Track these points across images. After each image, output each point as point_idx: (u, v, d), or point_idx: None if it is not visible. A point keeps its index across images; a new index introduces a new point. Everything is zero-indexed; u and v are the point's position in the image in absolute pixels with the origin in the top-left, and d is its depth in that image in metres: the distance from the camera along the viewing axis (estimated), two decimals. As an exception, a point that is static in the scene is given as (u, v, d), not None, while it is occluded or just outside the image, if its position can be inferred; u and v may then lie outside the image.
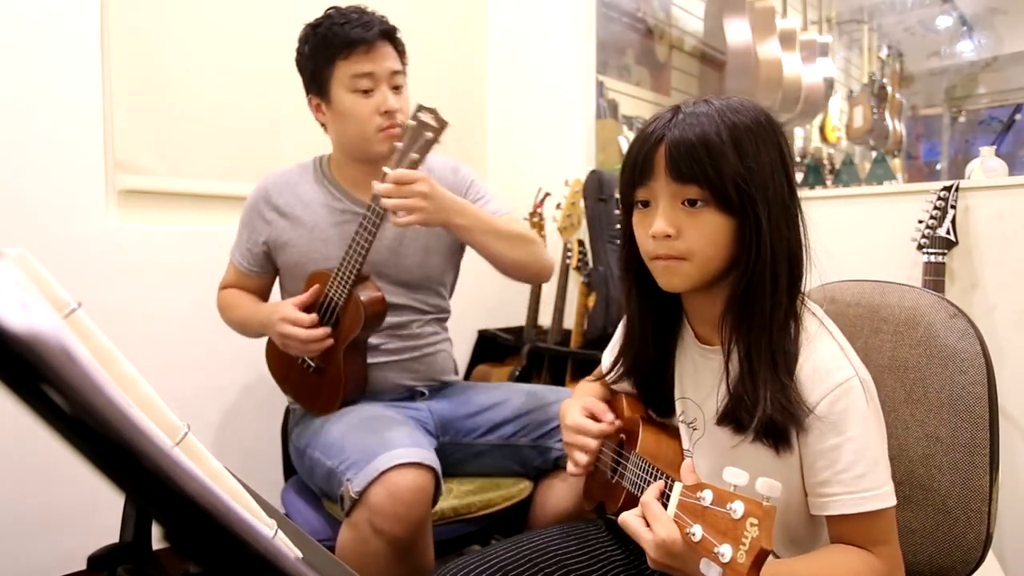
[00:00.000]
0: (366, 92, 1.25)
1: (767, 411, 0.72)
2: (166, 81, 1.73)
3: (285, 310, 1.22)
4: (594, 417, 0.93)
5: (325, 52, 1.25)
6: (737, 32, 2.32)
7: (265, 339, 1.37)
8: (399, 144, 1.15)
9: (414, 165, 1.14)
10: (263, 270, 1.38)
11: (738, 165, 0.71)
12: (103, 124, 1.64)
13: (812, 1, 2.44)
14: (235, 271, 1.40)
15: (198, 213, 1.82)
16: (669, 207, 0.74)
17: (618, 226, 2.05)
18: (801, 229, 0.76)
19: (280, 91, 1.94)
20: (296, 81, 2.02)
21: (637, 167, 0.76)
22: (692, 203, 0.73)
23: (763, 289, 0.73)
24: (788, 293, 0.74)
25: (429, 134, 1.13)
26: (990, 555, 0.87)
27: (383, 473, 1.04)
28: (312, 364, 1.30)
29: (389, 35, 1.27)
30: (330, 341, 1.23)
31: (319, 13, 1.28)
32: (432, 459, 1.11)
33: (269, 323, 1.25)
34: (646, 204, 0.77)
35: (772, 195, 0.73)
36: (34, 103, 1.54)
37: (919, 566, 0.87)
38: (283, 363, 1.34)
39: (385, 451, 1.08)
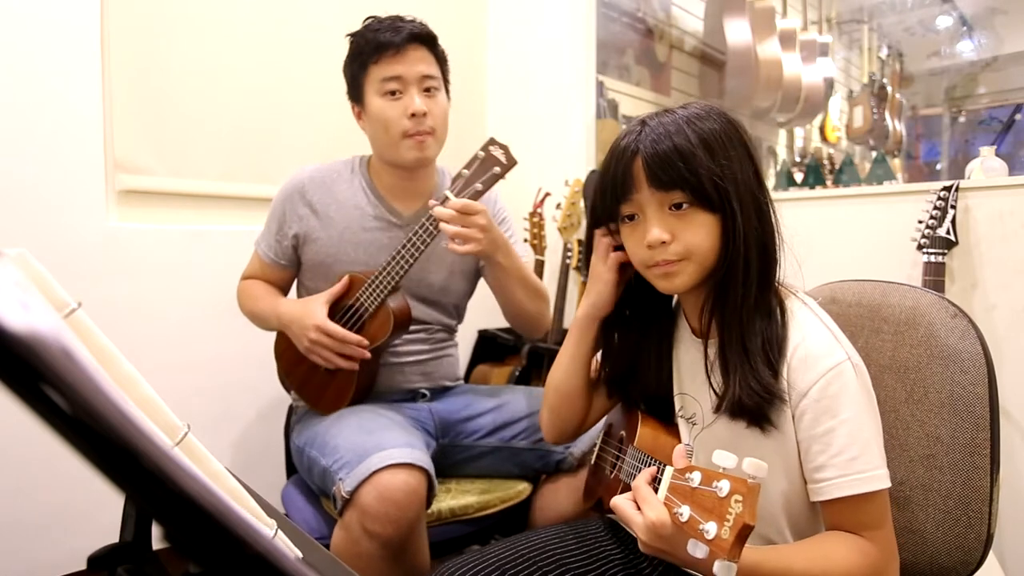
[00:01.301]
0: (395, 95, 1.25)
1: (736, 392, 0.75)
2: (166, 81, 1.73)
3: (321, 319, 1.21)
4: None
5: (359, 58, 1.27)
6: (737, 32, 2.32)
7: (272, 333, 1.37)
8: (466, 171, 1.16)
9: (477, 196, 1.15)
10: (289, 263, 1.36)
11: (710, 163, 0.74)
12: (103, 124, 1.64)
13: (812, 1, 2.44)
14: (259, 262, 1.38)
15: (198, 213, 1.82)
16: (658, 215, 0.77)
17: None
18: (773, 220, 0.79)
19: (280, 91, 1.95)
20: (296, 81, 2.02)
21: (618, 183, 0.79)
22: (678, 206, 0.76)
23: (736, 277, 0.76)
24: (759, 282, 0.77)
25: (497, 169, 1.14)
26: (990, 555, 0.87)
27: (373, 474, 1.04)
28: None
29: (421, 39, 1.26)
30: (366, 354, 1.22)
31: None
32: (424, 460, 1.10)
33: (296, 324, 1.24)
34: (632, 218, 0.80)
35: (743, 188, 0.76)
36: (34, 103, 1.54)
37: (919, 566, 0.87)
38: (294, 355, 1.33)
39: (377, 451, 1.07)
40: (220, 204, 1.85)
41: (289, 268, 1.38)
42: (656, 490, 0.68)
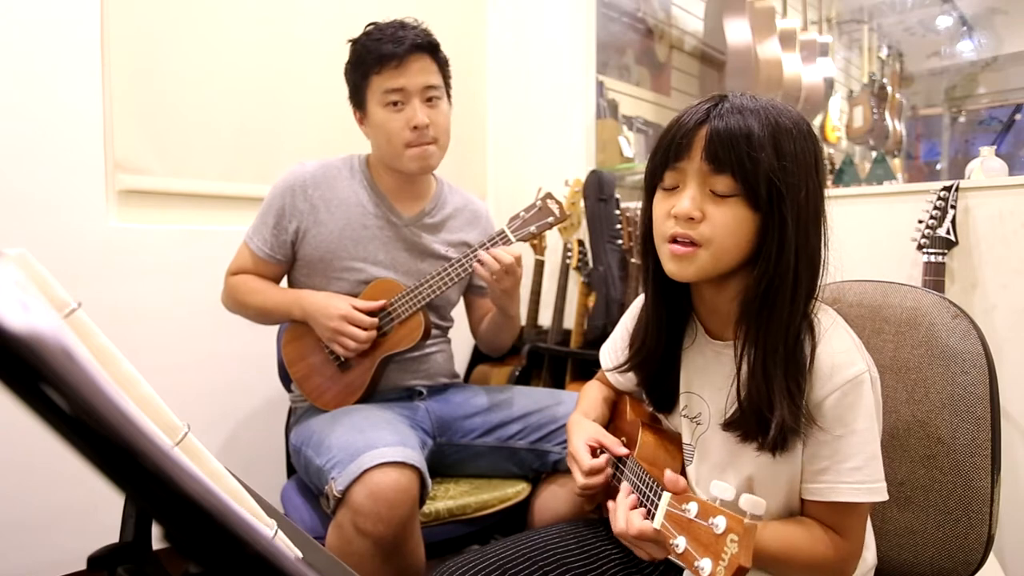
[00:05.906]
0: (397, 106, 1.27)
1: (784, 420, 0.71)
2: (166, 81, 1.73)
3: (347, 308, 1.25)
4: (601, 446, 0.93)
5: (361, 67, 1.28)
6: (737, 32, 2.32)
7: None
8: (524, 214, 1.28)
9: (529, 237, 1.28)
10: (284, 258, 1.35)
11: (774, 163, 0.71)
12: (103, 124, 1.64)
13: (812, 1, 2.44)
14: (252, 257, 1.35)
15: (198, 213, 1.82)
16: (698, 191, 0.74)
17: (618, 226, 2.05)
18: (824, 237, 0.77)
19: (280, 91, 1.95)
20: (296, 81, 2.02)
21: (673, 146, 0.75)
22: (721, 193, 0.72)
23: (784, 292, 0.72)
24: (805, 299, 0.75)
25: (550, 219, 1.27)
26: (991, 556, 0.87)
27: (364, 472, 1.04)
28: (342, 358, 1.31)
29: (424, 48, 1.27)
30: (372, 334, 1.27)
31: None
32: (416, 459, 1.09)
33: (320, 312, 1.26)
34: (672, 188, 0.76)
35: (804, 198, 0.72)
36: (34, 103, 1.54)
37: (920, 567, 0.87)
38: (304, 345, 1.34)
39: (368, 450, 1.07)
40: (220, 204, 1.85)
41: (283, 264, 1.36)
42: (653, 515, 0.69)
